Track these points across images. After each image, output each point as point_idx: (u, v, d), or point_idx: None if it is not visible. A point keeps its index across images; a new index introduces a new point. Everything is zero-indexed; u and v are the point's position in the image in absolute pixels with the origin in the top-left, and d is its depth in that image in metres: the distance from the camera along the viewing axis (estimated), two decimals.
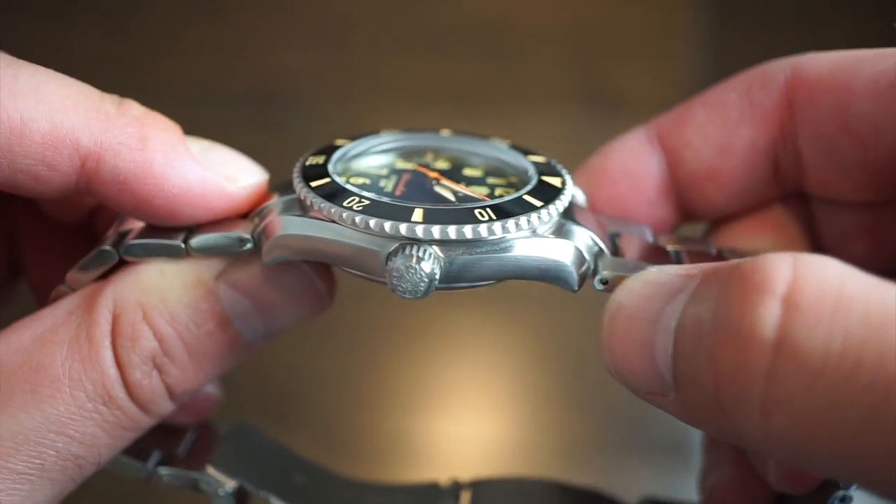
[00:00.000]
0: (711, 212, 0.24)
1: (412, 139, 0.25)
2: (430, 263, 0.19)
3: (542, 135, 0.60)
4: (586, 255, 0.21)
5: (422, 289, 0.20)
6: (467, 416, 0.52)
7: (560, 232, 0.21)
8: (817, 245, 0.24)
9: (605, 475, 0.50)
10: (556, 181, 0.22)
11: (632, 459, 0.49)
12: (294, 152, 0.26)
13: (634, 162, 0.23)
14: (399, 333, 0.52)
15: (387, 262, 0.20)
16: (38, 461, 0.18)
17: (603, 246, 0.21)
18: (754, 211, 0.24)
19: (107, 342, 0.19)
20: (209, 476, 0.25)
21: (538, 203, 0.21)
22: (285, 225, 0.21)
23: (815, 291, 0.14)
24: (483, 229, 0.20)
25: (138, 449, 0.24)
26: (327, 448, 0.48)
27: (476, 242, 0.20)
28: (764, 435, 0.14)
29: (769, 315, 0.14)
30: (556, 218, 0.21)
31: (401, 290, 0.20)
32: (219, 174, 0.21)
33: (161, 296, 0.20)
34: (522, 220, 0.20)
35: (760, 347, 0.14)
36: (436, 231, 0.19)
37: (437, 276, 0.20)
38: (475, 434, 0.51)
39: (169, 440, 0.26)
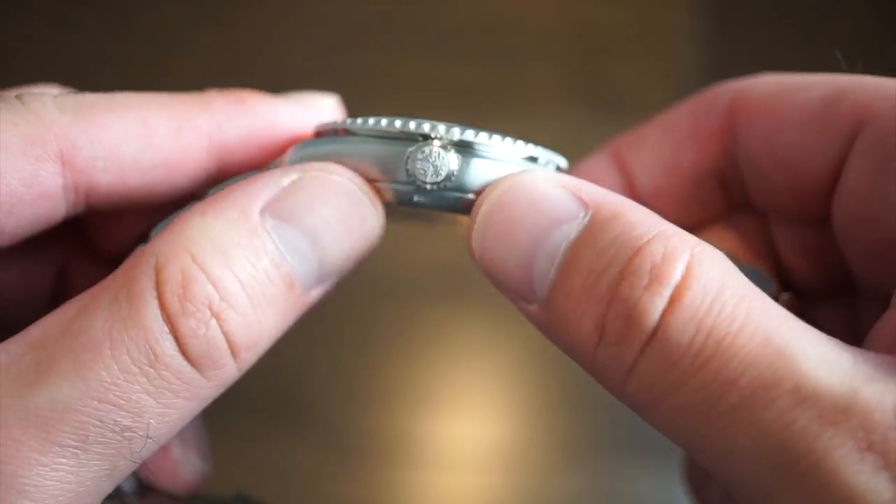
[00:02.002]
0: None
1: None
2: (455, 155, 0.20)
3: (542, 135, 0.60)
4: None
5: (442, 174, 0.20)
6: (470, 417, 0.52)
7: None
8: (777, 256, 0.25)
9: (605, 475, 0.50)
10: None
11: (631, 460, 0.49)
12: None
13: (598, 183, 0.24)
14: (401, 334, 0.52)
15: (408, 158, 0.20)
16: (81, 433, 0.17)
17: None
18: (713, 222, 0.25)
19: (149, 297, 0.18)
20: None
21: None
22: (296, 149, 0.22)
23: (697, 290, 0.16)
24: (500, 138, 0.21)
25: None
26: (331, 449, 0.48)
27: (489, 149, 0.21)
28: (618, 388, 0.18)
29: (658, 305, 0.16)
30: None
31: (421, 170, 0.20)
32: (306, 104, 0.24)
33: (208, 236, 0.19)
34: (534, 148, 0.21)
35: (642, 329, 0.17)
36: (456, 131, 0.20)
37: (457, 170, 0.20)
38: (477, 434, 0.51)
39: None
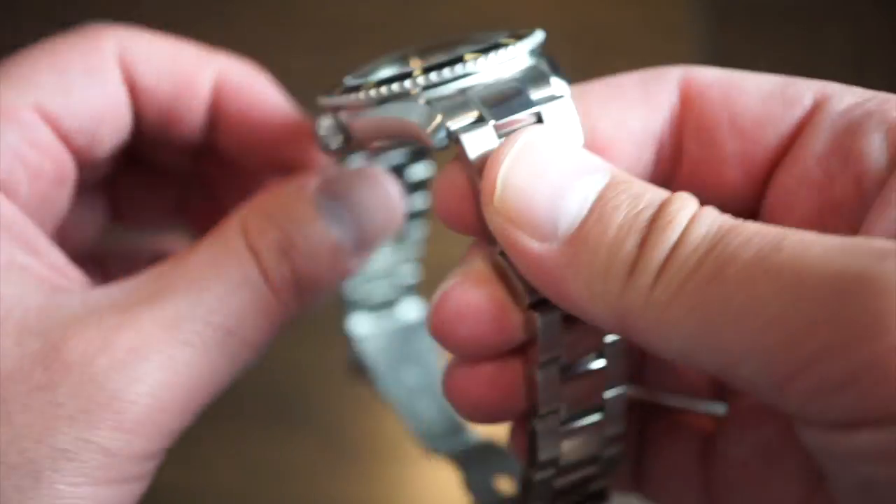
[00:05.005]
0: None
1: (390, 55, 0.27)
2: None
3: None
4: None
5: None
6: None
7: None
8: None
9: None
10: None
11: None
12: None
13: None
14: None
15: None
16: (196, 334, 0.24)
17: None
18: None
19: (239, 239, 0.25)
20: None
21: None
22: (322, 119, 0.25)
23: (706, 213, 0.19)
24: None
25: None
26: (329, 448, 0.48)
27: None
28: (643, 298, 0.19)
29: (683, 221, 0.19)
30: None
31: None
32: None
33: (278, 202, 0.26)
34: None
35: (671, 236, 0.19)
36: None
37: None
38: (476, 432, 0.51)
39: None
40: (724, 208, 0.20)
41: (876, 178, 0.21)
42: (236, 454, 0.47)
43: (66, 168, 0.27)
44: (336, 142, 0.24)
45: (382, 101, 0.23)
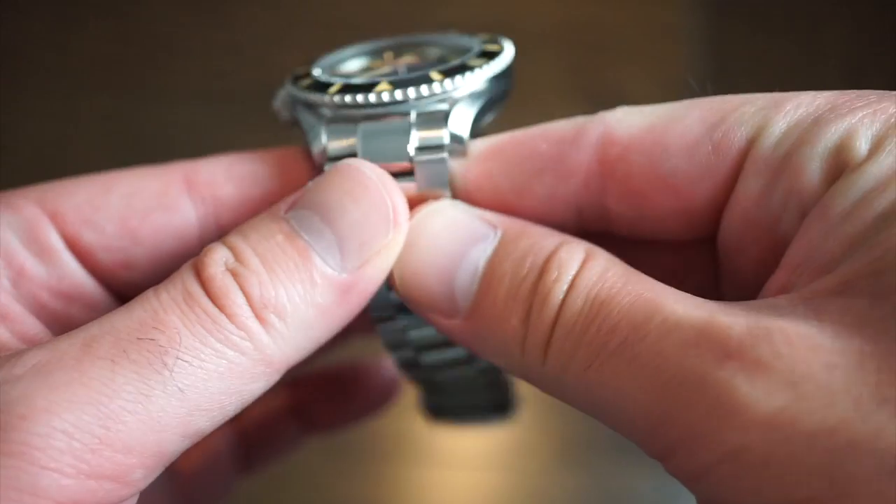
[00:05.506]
0: None
1: (372, 44, 0.28)
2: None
3: None
4: None
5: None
6: None
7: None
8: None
9: (605, 476, 0.50)
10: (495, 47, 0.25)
11: (631, 460, 0.50)
12: None
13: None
14: None
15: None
16: (118, 348, 0.20)
17: None
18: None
19: (188, 267, 0.21)
20: None
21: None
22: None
23: (587, 274, 0.20)
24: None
25: None
26: (330, 449, 0.48)
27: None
28: (538, 372, 0.21)
29: (562, 289, 0.20)
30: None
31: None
32: None
33: (240, 229, 0.22)
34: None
35: (552, 308, 0.20)
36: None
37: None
38: (478, 435, 0.51)
39: None
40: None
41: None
42: None
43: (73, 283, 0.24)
44: (286, 114, 0.26)
45: (300, 102, 0.25)
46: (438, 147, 0.23)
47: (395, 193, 0.22)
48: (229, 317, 0.21)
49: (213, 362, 0.20)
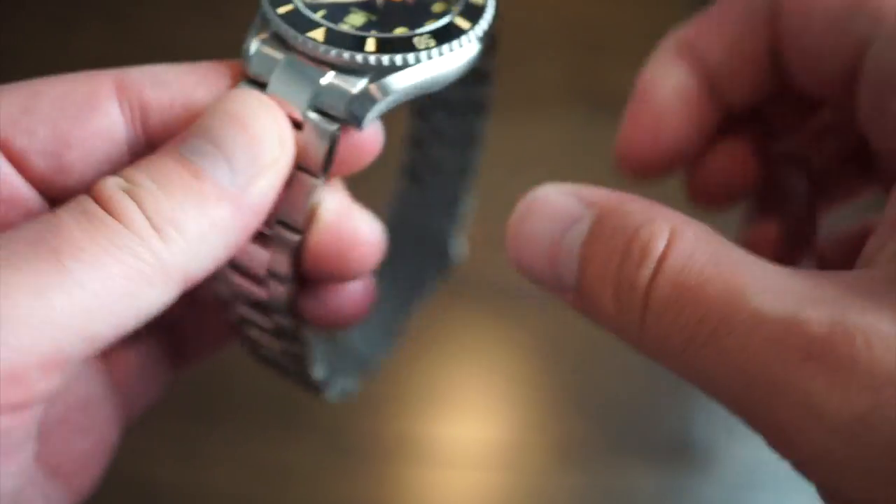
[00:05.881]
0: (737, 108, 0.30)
1: None
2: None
3: (542, 137, 0.60)
4: None
5: None
6: (470, 418, 0.52)
7: None
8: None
9: (606, 476, 0.50)
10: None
11: (632, 460, 0.50)
12: None
13: (671, 81, 0.29)
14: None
15: None
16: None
17: None
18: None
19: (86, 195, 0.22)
20: None
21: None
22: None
23: (673, 258, 0.20)
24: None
25: None
26: (331, 450, 0.48)
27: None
28: (640, 346, 0.22)
29: (646, 275, 0.21)
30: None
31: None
32: None
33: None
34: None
35: (639, 295, 0.21)
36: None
37: None
38: (478, 435, 0.51)
39: None
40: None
41: None
42: (237, 455, 0.47)
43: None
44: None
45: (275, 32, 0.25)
46: (332, 117, 0.22)
47: (282, 120, 0.23)
48: (127, 226, 0.21)
49: (111, 266, 0.21)
